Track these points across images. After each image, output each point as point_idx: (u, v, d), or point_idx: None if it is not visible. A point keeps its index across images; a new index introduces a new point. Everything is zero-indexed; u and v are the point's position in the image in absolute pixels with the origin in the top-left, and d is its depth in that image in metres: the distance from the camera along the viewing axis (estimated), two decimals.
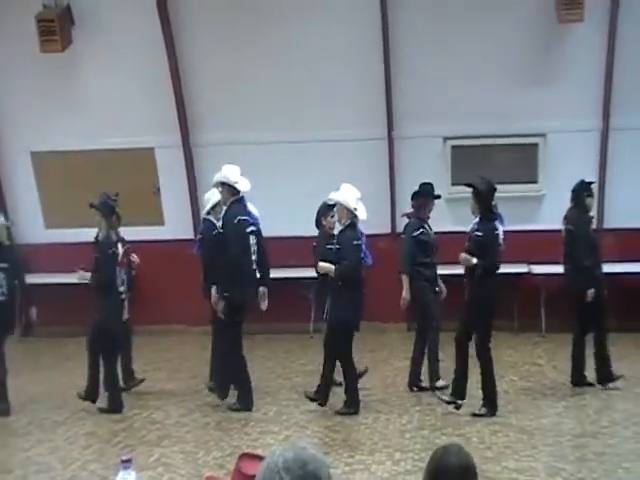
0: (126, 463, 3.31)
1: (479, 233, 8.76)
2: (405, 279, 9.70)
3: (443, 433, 8.27)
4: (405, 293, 9.68)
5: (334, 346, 9.13)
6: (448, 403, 8.91)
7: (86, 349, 9.37)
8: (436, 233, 9.94)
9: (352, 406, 9.07)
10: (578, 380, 9.70)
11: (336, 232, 9.34)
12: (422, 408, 9.19)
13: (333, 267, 8.92)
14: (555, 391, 9.68)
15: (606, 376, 9.62)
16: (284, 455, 2.27)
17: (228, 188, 9.09)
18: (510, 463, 7.44)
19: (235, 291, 9.01)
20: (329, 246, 9.18)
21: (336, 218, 9.26)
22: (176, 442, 8.37)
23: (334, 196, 9.10)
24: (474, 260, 8.66)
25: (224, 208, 9.29)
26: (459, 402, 8.85)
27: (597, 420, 8.64)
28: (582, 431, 8.28)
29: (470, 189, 8.81)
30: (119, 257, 9.32)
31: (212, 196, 9.67)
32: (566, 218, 9.74)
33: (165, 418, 9.20)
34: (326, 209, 9.55)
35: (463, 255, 8.75)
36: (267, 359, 11.34)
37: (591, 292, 9.40)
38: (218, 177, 9.19)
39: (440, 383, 9.61)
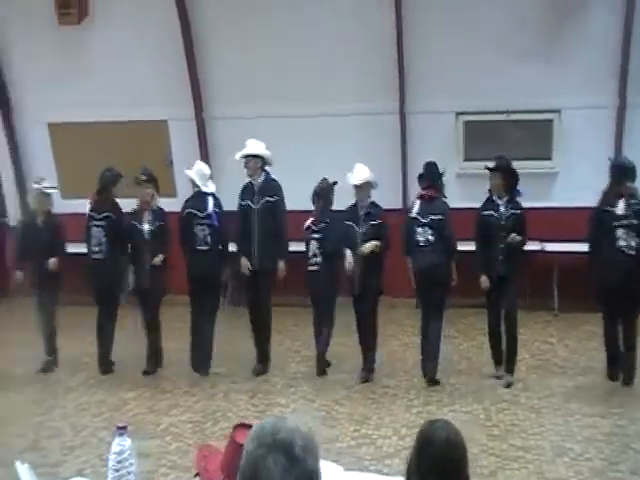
0: (121, 430, 3.32)
1: (519, 211, 9.05)
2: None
3: (450, 410, 8.25)
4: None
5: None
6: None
7: None
8: None
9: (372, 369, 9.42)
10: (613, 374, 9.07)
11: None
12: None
13: (377, 243, 9.22)
14: (565, 370, 9.65)
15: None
16: (262, 424, 2.29)
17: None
18: (517, 441, 7.44)
19: None
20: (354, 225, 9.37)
21: (360, 197, 9.40)
22: (184, 411, 8.46)
23: (361, 177, 9.26)
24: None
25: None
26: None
27: (606, 401, 8.58)
28: (591, 411, 8.23)
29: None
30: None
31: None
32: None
33: (174, 388, 9.28)
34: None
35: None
36: (276, 331, 11.24)
37: None
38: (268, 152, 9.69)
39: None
